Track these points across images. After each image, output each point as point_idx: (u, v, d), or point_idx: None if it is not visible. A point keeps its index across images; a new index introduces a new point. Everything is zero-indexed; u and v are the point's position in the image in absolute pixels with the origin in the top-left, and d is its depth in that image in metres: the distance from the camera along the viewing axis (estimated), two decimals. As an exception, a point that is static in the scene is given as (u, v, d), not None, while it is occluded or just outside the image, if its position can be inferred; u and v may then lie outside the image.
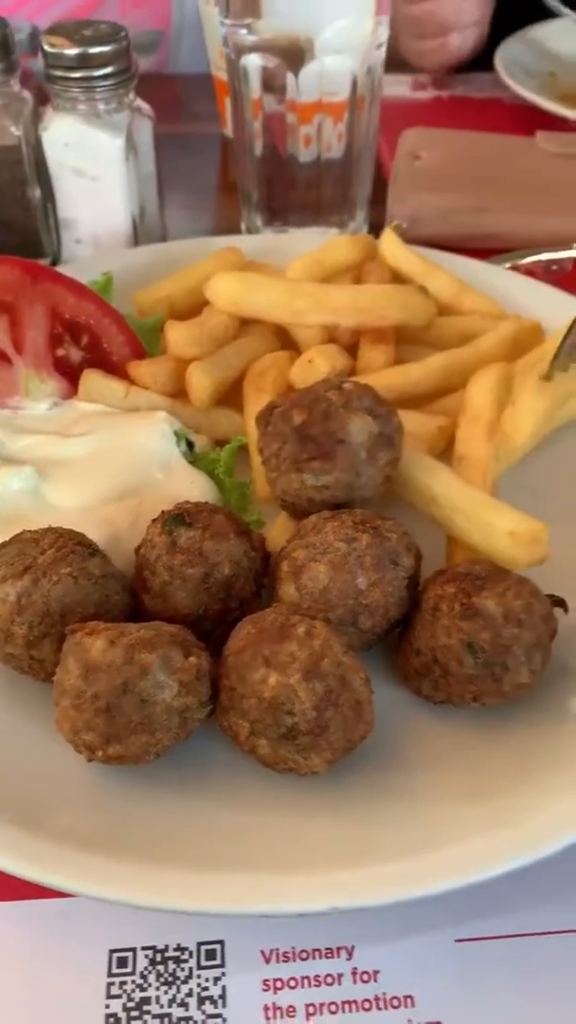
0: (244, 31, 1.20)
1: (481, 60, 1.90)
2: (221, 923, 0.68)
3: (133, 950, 0.67)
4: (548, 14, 1.87)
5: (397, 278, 1.12)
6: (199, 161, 1.73)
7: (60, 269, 1.10)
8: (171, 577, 0.76)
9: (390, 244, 1.13)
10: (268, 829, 0.66)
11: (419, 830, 0.65)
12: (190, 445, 0.94)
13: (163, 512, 0.79)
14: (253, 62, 1.22)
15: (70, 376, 0.98)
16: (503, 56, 1.78)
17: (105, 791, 0.69)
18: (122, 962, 0.66)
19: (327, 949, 0.67)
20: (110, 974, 0.65)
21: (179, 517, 0.77)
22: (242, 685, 0.66)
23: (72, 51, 1.14)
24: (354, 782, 0.69)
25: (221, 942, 0.67)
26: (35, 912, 0.69)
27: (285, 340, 1.06)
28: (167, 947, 0.67)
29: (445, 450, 0.94)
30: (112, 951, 0.67)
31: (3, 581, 0.72)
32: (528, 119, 1.68)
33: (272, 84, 1.23)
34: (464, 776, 0.70)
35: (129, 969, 0.66)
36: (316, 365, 0.97)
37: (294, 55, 1.18)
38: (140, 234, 1.29)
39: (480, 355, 1.01)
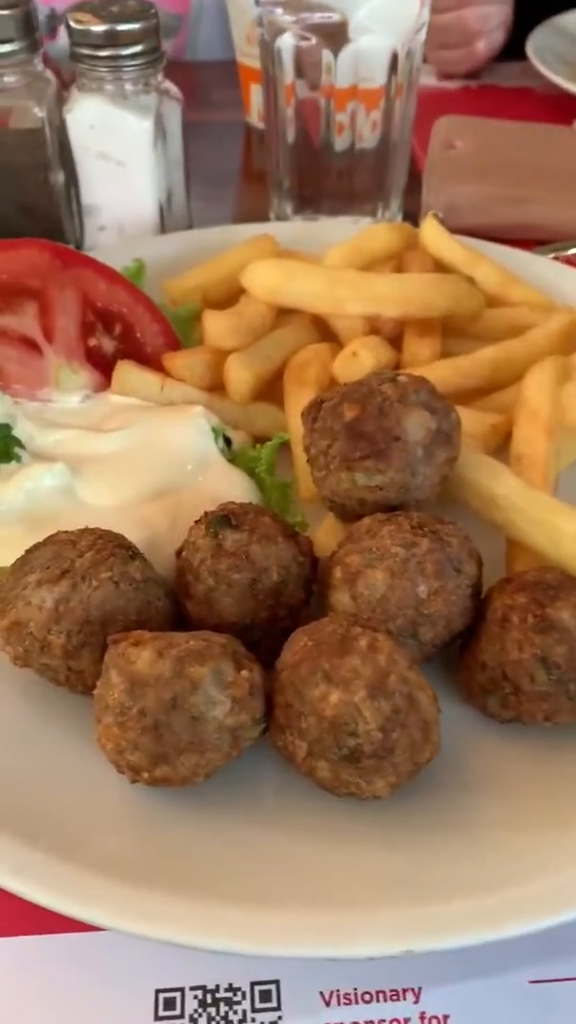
0: (280, 10, 1.15)
1: (507, 49, 1.85)
2: (277, 961, 0.63)
3: (181, 990, 0.61)
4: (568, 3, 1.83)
5: (439, 268, 1.07)
6: (220, 149, 1.68)
7: (86, 256, 1.05)
8: (217, 582, 0.70)
9: (432, 232, 1.08)
10: (328, 860, 0.61)
11: (495, 862, 0.60)
12: (228, 442, 0.89)
13: (206, 513, 0.74)
14: (287, 42, 1.17)
15: (102, 367, 0.92)
16: (535, 45, 1.73)
17: (148, 815, 0.64)
18: (169, 1003, 0.61)
19: (392, 991, 0.61)
20: (156, 1017, 0.60)
21: (224, 519, 0.72)
22: (300, 702, 0.61)
23: (100, 28, 1.09)
24: (419, 808, 0.64)
25: (276, 982, 0.62)
26: (73, 947, 0.63)
27: (324, 331, 1.01)
28: (218, 987, 0.62)
29: (498, 448, 0.89)
30: (158, 991, 0.61)
31: (39, 586, 0.67)
32: (561, 108, 1.64)
33: (305, 68, 1.18)
34: (538, 802, 0.64)
35: (177, 1012, 0.60)
36: (360, 358, 0.92)
37: (333, 35, 1.13)
38: (166, 221, 1.23)
39: (532, 349, 0.95)
